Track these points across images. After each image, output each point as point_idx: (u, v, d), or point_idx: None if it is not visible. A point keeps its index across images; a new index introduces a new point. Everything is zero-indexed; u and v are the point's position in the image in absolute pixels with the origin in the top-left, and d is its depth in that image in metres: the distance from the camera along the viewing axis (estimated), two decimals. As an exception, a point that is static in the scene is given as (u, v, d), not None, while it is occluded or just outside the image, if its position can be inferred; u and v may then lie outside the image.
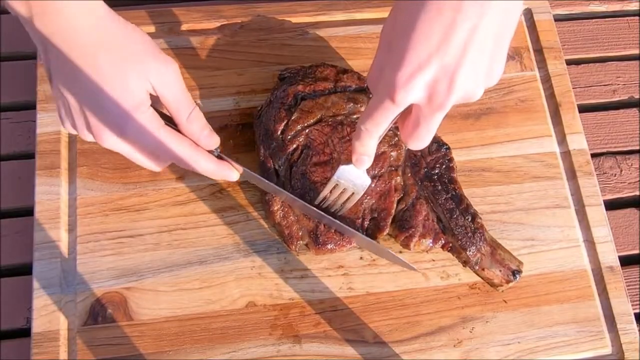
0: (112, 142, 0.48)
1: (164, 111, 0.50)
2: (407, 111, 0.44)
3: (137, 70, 0.46)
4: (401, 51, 0.39)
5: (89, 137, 0.48)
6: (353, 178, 0.53)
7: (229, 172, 0.53)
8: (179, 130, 0.50)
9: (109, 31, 0.45)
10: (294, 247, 0.56)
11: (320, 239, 0.55)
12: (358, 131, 0.46)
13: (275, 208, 0.56)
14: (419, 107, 0.42)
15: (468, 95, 0.41)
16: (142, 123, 0.46)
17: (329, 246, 0.56)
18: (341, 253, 0.58)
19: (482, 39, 0.38)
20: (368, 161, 0.49)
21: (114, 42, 0.45)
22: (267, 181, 0.55)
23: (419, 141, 0.44)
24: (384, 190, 0.57)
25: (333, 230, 0.56)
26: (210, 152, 0.51)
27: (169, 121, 0.49)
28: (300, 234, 0.56)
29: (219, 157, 0.52)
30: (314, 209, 0.55)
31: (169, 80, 0.48)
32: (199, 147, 0.51)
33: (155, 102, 0.48)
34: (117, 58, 0.45)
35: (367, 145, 0.47)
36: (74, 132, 0.49)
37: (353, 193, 0.54)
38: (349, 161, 0.51)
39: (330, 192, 0.54)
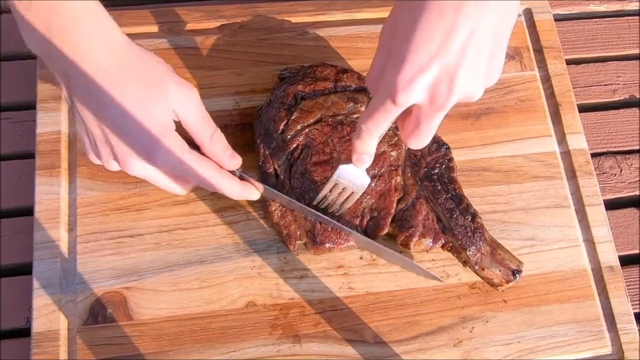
0: (139, 168, 0.49)
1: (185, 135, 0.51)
2: (407, 111, 0.44)
3: (159, 96, 0.47)
4: (402, 53, 0.39)
5: (114, 166, 0.50)
6: (353, 177, 0.53)
7: (251, 192, 0.54)
8: (202, 153, 0.51)
9: (129, 60, 0.47)
10: (292, 247, 0.56)
11: (318, 238, 0.56)
12: (358, 130, 0.47)
13: (273, 208, 0.56)
14: (420, 108, 0.42)
15: (468, 95, 0.41)
16: (169, 148, 0.48)
17: (327, 245, 0.56)
18: (341, 253, 0.58)
19: (481, 40, 0.38)
20: (368, 160, 0.49)
21: (135, 70, 0.47)
22: (286, 197, 0.55)
23: (419, 141, 0.45)
24: (384, 190, 0.57)
25: (330, 229, 0.56)
26: (232, 172, 0.53)
27: (191, 144, 0.50)
28: (298, 233, 0.56)
29: (241, 178, 0.54)
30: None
31: (190, 104, 0.49)
32: (222, 169, 0.52)
33: (180, 129, 0.49)
34: (139, 86, 0.46)
35: (368, 144, 0.47)
36: (98, 162, 0.50)
37: (352, 192, 0.54)
38: (348, 160, 0.51)
39: (330, 191, 0.54)
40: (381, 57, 0.43)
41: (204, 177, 0.50)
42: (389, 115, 0.43)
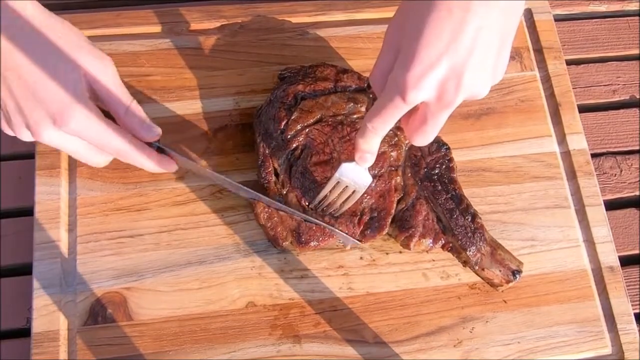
0: (51, 137, 0.47)
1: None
2: (412, 109, 0.44)
3: (73, 63, 0.46)
4: (412, 50, 0.39)
5: (25, 136, 0.48)
6: (355, 176, 0.53)
7: (169, 165, 0.54)
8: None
9: (43, 27, 0.46)
10: (280, 248, 0.56)
11: (303, 237, 0.56)
12: (363, 129, 0.47)
13: (259, 210, 0.56)
14: (427, 105, 0.42)
15: (475, 93, 0.41)
16: (82, 116, 0.46)
17: (312, 244, 0.56)
18: (341, 253, 0.58)
19: (488, 38, 0.39)
20: (371, 159, 0.50)
21: (49, 37, 0.46)
22: (210, 171, 0.55)
23: (425, 138, 0.45)
24: (384, 190, 0.57)
25: (314, 227, 0.56)
26: (150, 145, 0.52)
27: (108, 116, 0.49)
28: (285, 234, 0.56)
29: (160, 150, 0.53)
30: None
31: (105, 73, 0.48)
32: (138, 141, 0.51)
33: (95, 99, 0.48)
34: (52, 53, 0.46)
35: (372, 143, 0.48)
36: (10, 133, 0.49)
37: (354, 191, 0.54)
38: (350, 159, 0.51)
39: (331, 190, 0.54)
40: (387, 56, 0.43)
41: (118, 148, 0.49)
42: (397, 113, 0.43)
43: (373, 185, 0.57)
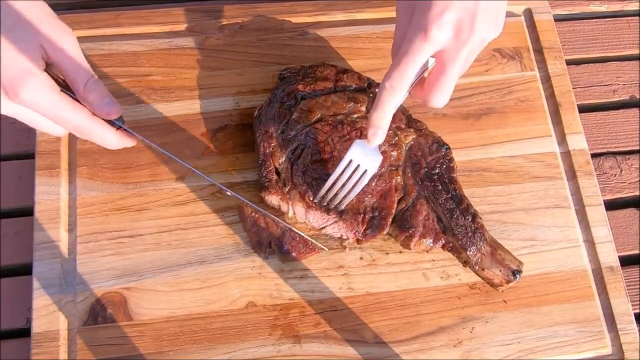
0: (4, 108, 0.46)
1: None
2: (422, 79, 0.48)
3: (29, 34, 0.45)
4: (427, 1, 0.45)
5: None
6: (366, 155, 0.53)
7: (127, 142, 0.52)
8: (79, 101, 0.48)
9: None
10: (263, 255, 0.57)
11: (285, 247, 0.57)
12: (380, 93, 0.48)
13: (245, 215, 0.57)
14: (445, 51, 0.46)
15: (484, 35, 0.46)
16: (36, 87, 0.45)
17: (293, 254, 0.57)
18: (341, 253, 0.58)
19: None
20: (382, 135, 0.50)
21: (9, 7, 0.45)
22: (168, 153, 0.53)
23: (443, 92, 0.48)
24: (385, 190, 0.57)
25: (297, 239, 0.57)
26: (111, 123, 0.50)
27: (68, 90, 0.48)
28: (268, 241, 0.57)
29: (120, 129, 0.51)
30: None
31: (64, 44, 0.47)
32: (96, 117, 0.49)
33: (55, 72, 0.47)
34: (9, 18, 0.45)
35: (386, 108, 0.48)
36: None
37: (366, 171, 0.53)
38: (363, 138, 0.52)
39: (341, 174, 0.54)
40: (403, 20, 0.47)
41: (73, 122, 0.48)
42: (417, 60, 0.45)
43: (373, 184, 0.57)
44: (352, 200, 0.56)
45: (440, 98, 0.48)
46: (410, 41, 0.46)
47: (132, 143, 0.53)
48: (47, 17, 0.47)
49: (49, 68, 0.47)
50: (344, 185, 0.54)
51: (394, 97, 0.47)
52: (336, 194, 0.55)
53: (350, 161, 0.53)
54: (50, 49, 0.46)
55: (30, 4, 0.46)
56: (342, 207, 0.56)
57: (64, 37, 0.47)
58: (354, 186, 0.54)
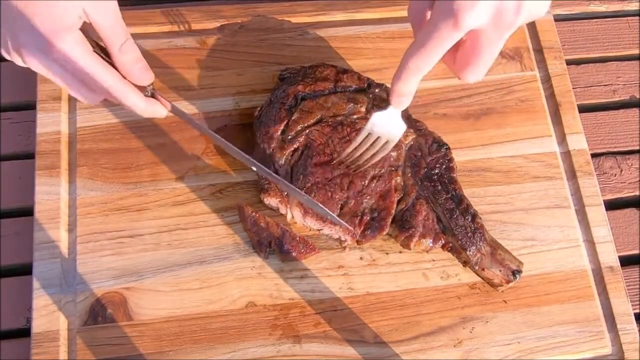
0: (37, 62, 0.46)
1: (101, 44, 0.48)
2: (457, 43, 0.42)
3: None
4: None
5: (16, 59, 0.47)
6: (388, 125, 0.51)
7: (158, 109, 0.51)
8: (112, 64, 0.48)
9: None
10: (263, 254, 0.57)
11: (285, 247, 0.56)
12: (401, 69, 0.44)
13: (246, 215, 0.57)
14: (482, 32, 0.40)
15: (535, 12, 0.39)
16: (69, 45, 0.45)
17: (293, 254, 0.57)
18: (341, 253, 0.58)
19: None
20: (407, 101, 0.48)
21: None
22: (206, 128, 0.52)
23: (478, 71, 0.43)
24: (384, 190, 0.57)
25: (298, 238, 0.56)
26: (143, 89, 0.49)
27: (106, 55, 0.48)
28: (269, 241, 0.57)
29: (152, 96, 0.51)
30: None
31: (102, 6, 0.46)
32: (127, 81, 0.49)
33: (92, 33, 0.47)
34: None
35: (411, 83, 0.45)
36: (7, 56, 0.47)
37: (387, 141, 0.52)
38: (381, 107, 0.50)
39: (362, 142, 0.53)
40: None
41: (105, 81, 0.47)
42: (445, 44, 0.40)
43: (373, 185, 0.57)
44: (351, 202, 0.56)
45: (474, 76, 0.44)
46: (436, 26, 0.40)
47: (162, 113, 0.52)
48: None
49: (85, 33, 0.46)
50: (365, 151, 0.53)
51: (418, 74, 0.44)
52: (361, 156, 0.54)
53: (369, 134, 0.51)
54: (90, 7, 0.45)
55: None
56: (368, 165, 0.55)
57: None
58: (375, 154, 0.53)
